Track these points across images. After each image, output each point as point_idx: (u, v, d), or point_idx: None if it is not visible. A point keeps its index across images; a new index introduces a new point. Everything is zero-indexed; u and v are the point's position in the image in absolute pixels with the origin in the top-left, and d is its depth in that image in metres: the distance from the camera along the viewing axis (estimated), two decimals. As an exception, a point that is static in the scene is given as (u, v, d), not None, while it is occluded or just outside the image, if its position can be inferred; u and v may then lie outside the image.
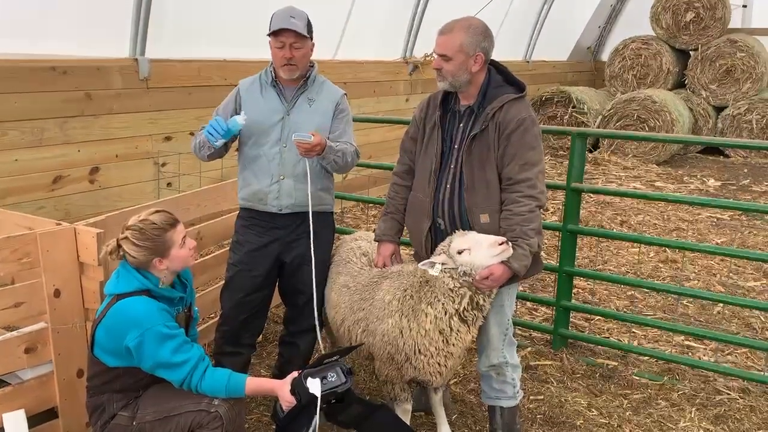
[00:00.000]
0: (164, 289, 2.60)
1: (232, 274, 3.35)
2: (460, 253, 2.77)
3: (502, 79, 2.94)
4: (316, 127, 3.17)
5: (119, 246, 2.54)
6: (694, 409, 3.65)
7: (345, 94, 3.33)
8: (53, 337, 2.96)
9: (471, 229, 2.90)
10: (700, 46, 11.91)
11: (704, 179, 9.90)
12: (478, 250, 2.73)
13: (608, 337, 4.52)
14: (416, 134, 3.13)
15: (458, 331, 2.86)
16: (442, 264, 2.81)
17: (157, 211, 2.60)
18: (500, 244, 2.70)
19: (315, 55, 3.25)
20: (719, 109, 11.95)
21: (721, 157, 11.73)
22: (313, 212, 3.21)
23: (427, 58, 8.81)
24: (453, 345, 2.88)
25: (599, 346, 4.33)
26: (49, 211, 4.86)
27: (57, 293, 2.95)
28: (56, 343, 2.98)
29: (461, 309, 2.82)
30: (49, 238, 2.89)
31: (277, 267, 3.34)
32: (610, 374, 4.01)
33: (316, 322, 3.22)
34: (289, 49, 3.05)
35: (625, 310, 5.01)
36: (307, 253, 3.25)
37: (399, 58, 8.71)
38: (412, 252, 3.32)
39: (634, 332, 4.61)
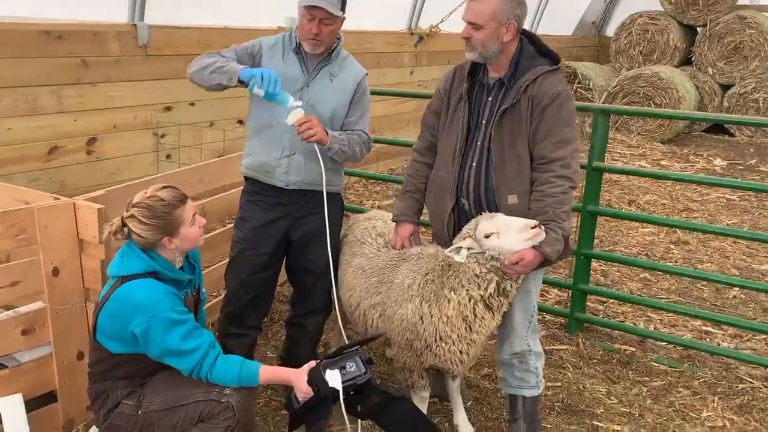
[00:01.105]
0: (172, 270, 2.42)
1: (237, 252, 3.18)
2: (487, 237, 2.61)
3: (534, 49, 2.75)
4: (336, 104, 3.00)
5: (124, 225, 2.35)
6: (716, 398, 3.53)
7: (367, 74, 3.14)
8: (52, 317, 2.80)
9: (497, 210, 2.73)
10: (708, 22, 11.65)
11: (710, 158, 9.75)
12: (508, 234, 2.57)
13: (624, 321, 4.40)
14: (440, 108, 2.94)
15: (482, 318, 2.71)
16: (468, 248, 2.64)
17: (164, 187, 2.41)
18: (532, 228, 2.54)
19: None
20: (726, 87, 11.75)
21: (726, 136, 11.56)
22: (319, 192, 3.07)
23: (433, 30, 8.56)
24: (476, 333, 2.73)
25: (616, 331, 4.20)
26: (44, 183, 4.65)
27: (55, 272, 2.78)
28: (55, 324, 2.82)
29: (487, 295, 2.66)
30: (47, 213, 2.70)
31: (284, 245, 3.17)
32: (627, 360, 3.88)
33: (338, 315, 3.03)
34: (318, 24, 2.84)
35: (639, 293, 4.87)
36: (317, 230, 3.10)
37: (404, 28, 8.45)
38: (431, 233, 3.16)
39: (649, 316, 4.49)
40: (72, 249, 2.86)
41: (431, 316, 2.74)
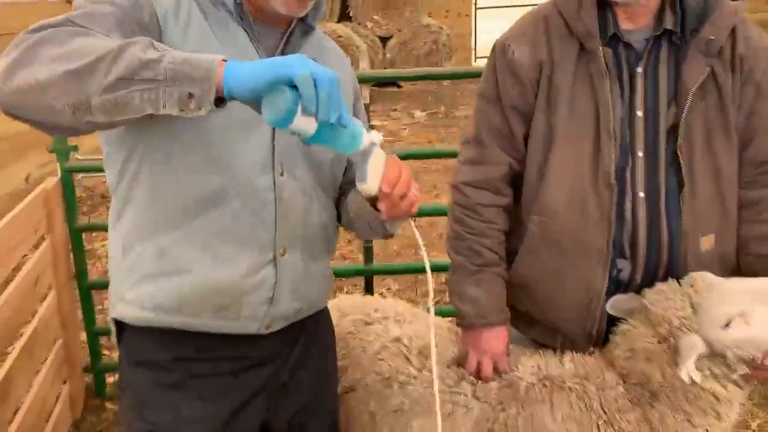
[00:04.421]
0: None
1: None
2: (728, 324, 1.40)
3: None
4: None
5: None
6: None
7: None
8: None
9: (683, 266, 1.53)
10: (358, -27, 11.51)
11: (409, 112, 9.60)
12: (768, 311, 1.40)
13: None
14: (527, 100, 1.54)
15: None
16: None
17: None
18: (810, 293, 1.42)
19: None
20: (384, 40, 11.84)
21: (396, 87, 11.70)
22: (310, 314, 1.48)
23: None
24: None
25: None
26: None
27: None
28: None
29: (730, 426, 1.48)
30: None
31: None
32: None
33: None
34: None
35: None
36: (317, 389, 1.49)
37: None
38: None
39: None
40: None
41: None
